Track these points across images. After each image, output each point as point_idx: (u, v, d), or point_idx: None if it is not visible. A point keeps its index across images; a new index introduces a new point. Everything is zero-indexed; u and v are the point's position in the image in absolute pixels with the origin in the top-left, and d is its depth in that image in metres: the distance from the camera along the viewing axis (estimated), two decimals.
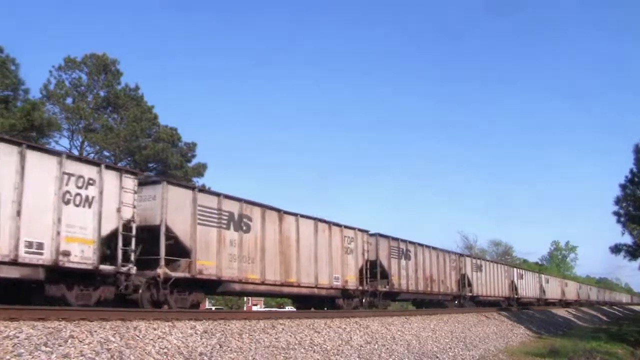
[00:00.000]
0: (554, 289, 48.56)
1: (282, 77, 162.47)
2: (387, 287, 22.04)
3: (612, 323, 44.03)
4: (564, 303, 50.25)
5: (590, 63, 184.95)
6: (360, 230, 20.94)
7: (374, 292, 21.26)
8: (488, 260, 33.43)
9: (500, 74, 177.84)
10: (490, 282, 32.44)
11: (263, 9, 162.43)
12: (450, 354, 16.26)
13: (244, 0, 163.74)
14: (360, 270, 20.57)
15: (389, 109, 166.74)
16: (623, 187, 29.07)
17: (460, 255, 29.87)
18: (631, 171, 28.89)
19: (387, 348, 14.44)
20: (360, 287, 20.38)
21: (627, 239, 29.34)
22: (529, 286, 40.53)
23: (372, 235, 22.00)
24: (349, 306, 19.86)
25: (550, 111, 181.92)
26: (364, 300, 20.77)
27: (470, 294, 29.55)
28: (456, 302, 28.74)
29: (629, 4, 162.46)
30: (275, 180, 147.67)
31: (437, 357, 15.39)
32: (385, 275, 22.14)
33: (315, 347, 12.27)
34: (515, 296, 36.63)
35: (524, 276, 39.59)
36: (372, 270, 21.35)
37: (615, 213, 29.02)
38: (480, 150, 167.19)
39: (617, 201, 29.10)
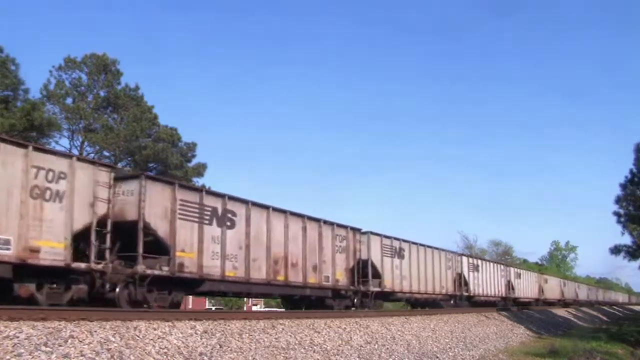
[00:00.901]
0: (528, 286, 40.01)
1: (282, 77, 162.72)
2: (168, 269, 12.52)
3: (612, 323, 44.07)
4: (543, 303, 42.95)
5: (590, 63, 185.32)
6: (88, 161, 11.82)
7: (132, 275, 11.83)
8: (416, 244, 24.50)
9: (500, 74, 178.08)
10: (420, 274, 24.07)
11: (263, 9, 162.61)
12: (450, 354, 16.27)
13: (244, 1, 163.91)
14: (83, 234, 11.14)
15: (390, 108, 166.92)
16: (623, 187, 29.20)
17: (357, 231, 20.14)
18: (631, 171, 29.03)
19: (387, 348, 14.44)
20: (84, 265, 11.03)
21: (627, 239, 29.58)
22: (488, 282, 31.69)
23: (130, 177, 12.82)
24: (52, 299, 10.63)
25: (550, 111, 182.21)
26: (130, 291, 11.90)
27: (378, 289, 20.93)
28: (355, 300, 20.16)
29: (629, 4, 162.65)
30: (275, 180, 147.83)
31: (437, 357, 15.40)
32: (164, 249, 12.64)
33: (315, 347, 12.28)
34: (465, 293, 28.74)
35: (480, 268, 30.77)
36: (127, 239, 12.04)
37: (615, 213, 29.22)
38: (480, 150, 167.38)
39: (617, 201, 29.24)
